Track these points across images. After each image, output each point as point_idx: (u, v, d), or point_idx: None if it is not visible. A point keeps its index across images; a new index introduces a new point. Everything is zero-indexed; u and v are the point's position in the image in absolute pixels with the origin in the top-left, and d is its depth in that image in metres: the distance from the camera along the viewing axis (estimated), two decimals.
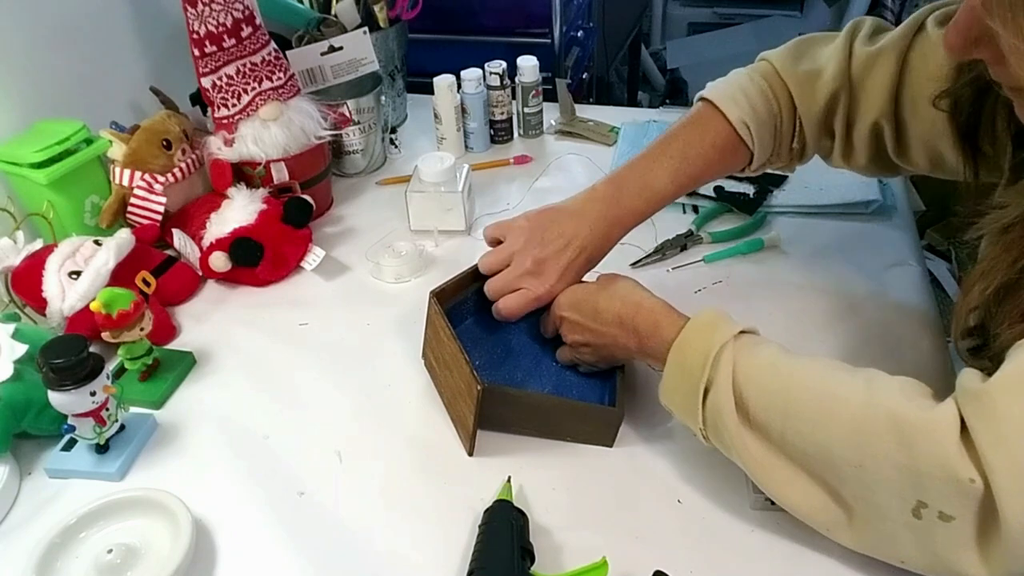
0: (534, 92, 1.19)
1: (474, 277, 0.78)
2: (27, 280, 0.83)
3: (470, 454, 0.70)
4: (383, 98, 1.14)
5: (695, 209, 1.03)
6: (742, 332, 0.61)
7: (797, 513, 0.58)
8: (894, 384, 0.54)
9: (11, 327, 0.74)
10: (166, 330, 0.87)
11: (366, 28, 1.10)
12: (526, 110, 1.20)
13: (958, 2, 0.50)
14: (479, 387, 0.65)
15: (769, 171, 0.82)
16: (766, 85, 0.75)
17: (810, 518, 0.57)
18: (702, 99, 0.77)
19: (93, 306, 0.74)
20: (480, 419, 0.67)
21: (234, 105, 0.97)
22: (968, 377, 0.51)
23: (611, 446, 0.71)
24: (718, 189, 1.03)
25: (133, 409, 0.75)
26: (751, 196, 1.02)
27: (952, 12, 0.63)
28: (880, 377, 0.55)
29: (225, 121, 0.98)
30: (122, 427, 0.72)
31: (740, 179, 1.05)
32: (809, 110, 0.75)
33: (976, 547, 0.50)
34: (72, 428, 0.68)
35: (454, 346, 0.69)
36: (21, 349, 0.72)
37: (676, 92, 2.76)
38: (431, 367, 0.78)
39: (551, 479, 0.68)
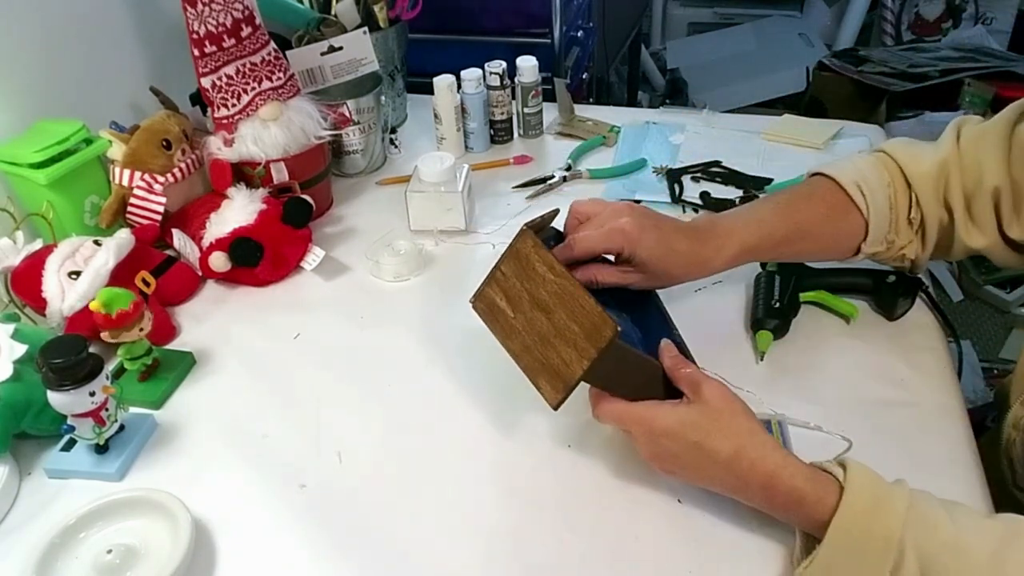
0: (534, 92, 1.19)
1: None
2: (27, 280, 0.83)
3: (556, 408, 0.59)
4: (383, 98, 1.14)
5: (696, 209, 1.03)
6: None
7: None
8: None
9: (11, 327, 0.74)
10: (166, 330, 0.87)
11: (366, 28, 1.10)
12: (526, 110, 1.20)
13: None
14: (614, 330, 0.54)
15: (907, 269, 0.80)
16: (874, 159, 0.77)
17: None
18: (812, 174, 0.79)
19: (92, 306, 0.74)
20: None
21: (234, 105, 0.97)
22: None
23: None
24: (704, 195, 1.03)
25: (133, 409, 0.75)
26: (736, 203, 1.02)
27: None
28: None
29: (225, 121, 0.98)
30: (122, 427, 0.72)
31: (727, 185, 1.04)
32: (920, 177, 0.75)
33: None
34: (72, 428, 0.68)
35: (567, 283, 0.58)
36: (21, 349, 0.72)
37: (676, 92, 2.76)
38: (496, 310, 0.65)
39: (552, 479, 0.68)
